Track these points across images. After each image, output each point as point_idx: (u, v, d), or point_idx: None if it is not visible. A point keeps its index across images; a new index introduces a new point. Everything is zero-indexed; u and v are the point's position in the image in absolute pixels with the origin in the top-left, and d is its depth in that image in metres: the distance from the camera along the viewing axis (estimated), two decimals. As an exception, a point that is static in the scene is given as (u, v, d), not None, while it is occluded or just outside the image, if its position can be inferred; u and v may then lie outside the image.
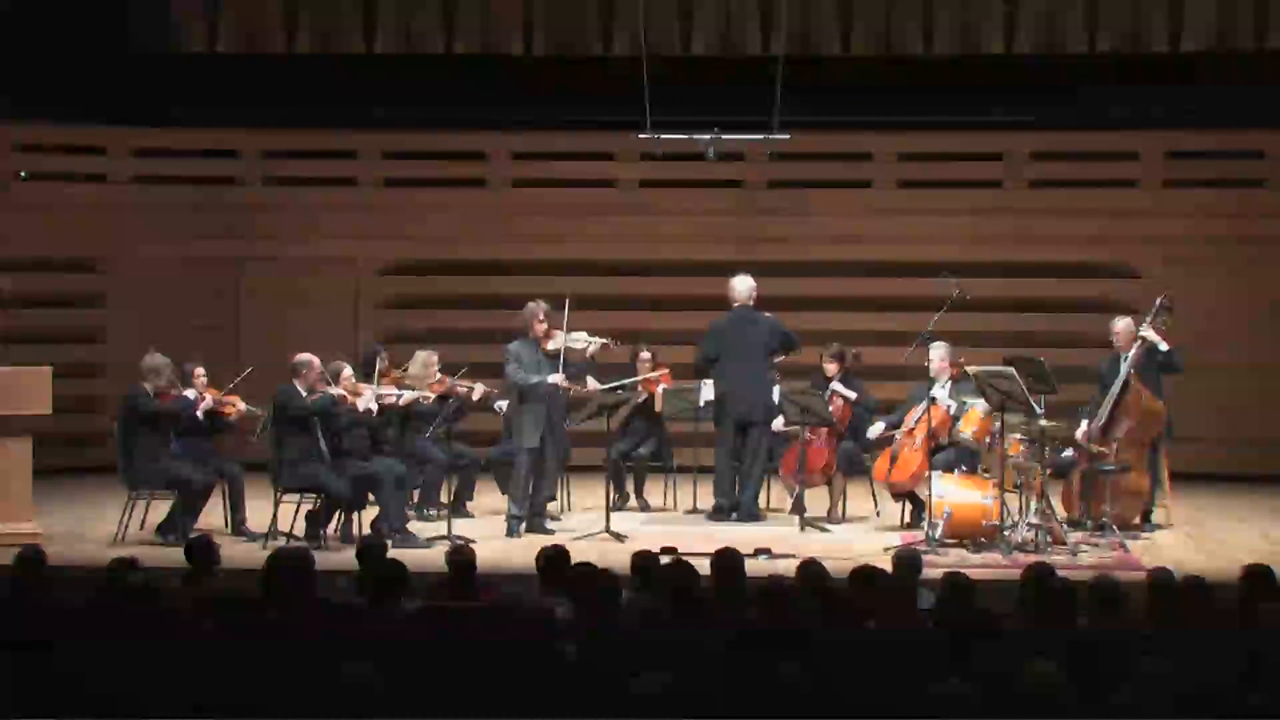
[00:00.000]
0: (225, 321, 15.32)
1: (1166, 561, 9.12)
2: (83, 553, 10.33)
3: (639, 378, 12.53)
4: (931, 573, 7.80)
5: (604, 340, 11.75)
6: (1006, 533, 10.55)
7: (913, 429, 11.55)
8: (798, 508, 11.65)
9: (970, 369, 11.07)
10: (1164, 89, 14.72)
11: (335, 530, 11.03)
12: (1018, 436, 10.79)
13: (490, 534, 11.18)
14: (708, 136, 14.09)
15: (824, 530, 11.57)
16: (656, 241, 15.41)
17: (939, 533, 10.61)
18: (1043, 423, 10.68)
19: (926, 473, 10.96)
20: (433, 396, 11.63)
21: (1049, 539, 10.60)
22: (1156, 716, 4.97)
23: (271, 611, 6.49)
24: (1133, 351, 11.57)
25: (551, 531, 11.22)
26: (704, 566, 7.30)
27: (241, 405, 11.41)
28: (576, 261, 14.82)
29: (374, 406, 11.13)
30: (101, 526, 11.34)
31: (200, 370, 11.40)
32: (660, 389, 12.57)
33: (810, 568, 7.11)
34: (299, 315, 15.10)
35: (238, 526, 11.27)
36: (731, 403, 11.88)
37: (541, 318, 11.43)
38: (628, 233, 15.40)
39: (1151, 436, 11.60)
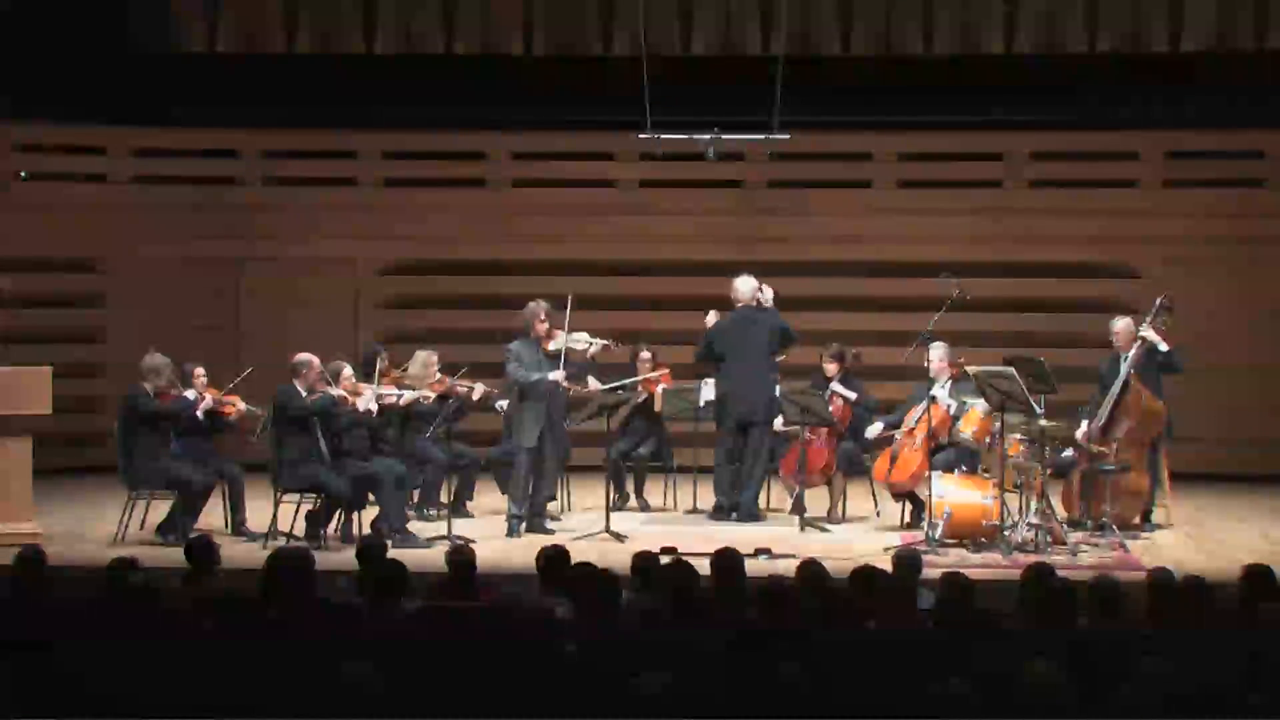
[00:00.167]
0: (225, 321, 15.32)
1: (1166, 561, 9.12)
2: (83, 553, 10.33)
3: (639, 378, 12.54)
4: (931, 573, 7.80)
5: (605, 342, 11.75)
6: (1006, 533, 10.55)
7: (913, 429, 11.55)
8: (798, 508, 11.65)
9: (970, 369, 11.07)
10: (1164, 89, 14.72)
11: (335, 530, 11.03)
12: (1018, 436, 10.79)
13: (490, 534, 11.18)
14: (708, 136, 14.09)
15: (824, 530, 11.57)
16: (656, 241, 15.41)
17: (939, 533, 10.61)
18: (1043, 423, 10.68)
19: (926, 473, 10.96)
20: (433, 396, 11.63)
21: (1049, 539, 10.60)
22: (1156, 716, 4.96)
23: (271, 611, 6.49)
24: (1132, 351, 11.57)
25: (551, 531, 11.22)
26: (704, 566, 7.30)
27: (241, 405, 11.41)
28: (576, 261, 14.82)
29: (374, 407, 11.13)
30: (101, 526, 11.34)
31: (200, 370, 11.41)
32: (660, 389, 12.57)
33: (810, 568, 7.11)
34: (299, 315, 15.10)
35: (238, 526, 11.27)
36: (733, 403, 11.88)
37: (543, 318, 11.43)
38: (628, 233, 15.40)
39: (1151, 436, 11.60)
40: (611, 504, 11.71)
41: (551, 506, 11.90)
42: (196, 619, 6.33)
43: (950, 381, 11.59)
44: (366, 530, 10.87)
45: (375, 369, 11.64)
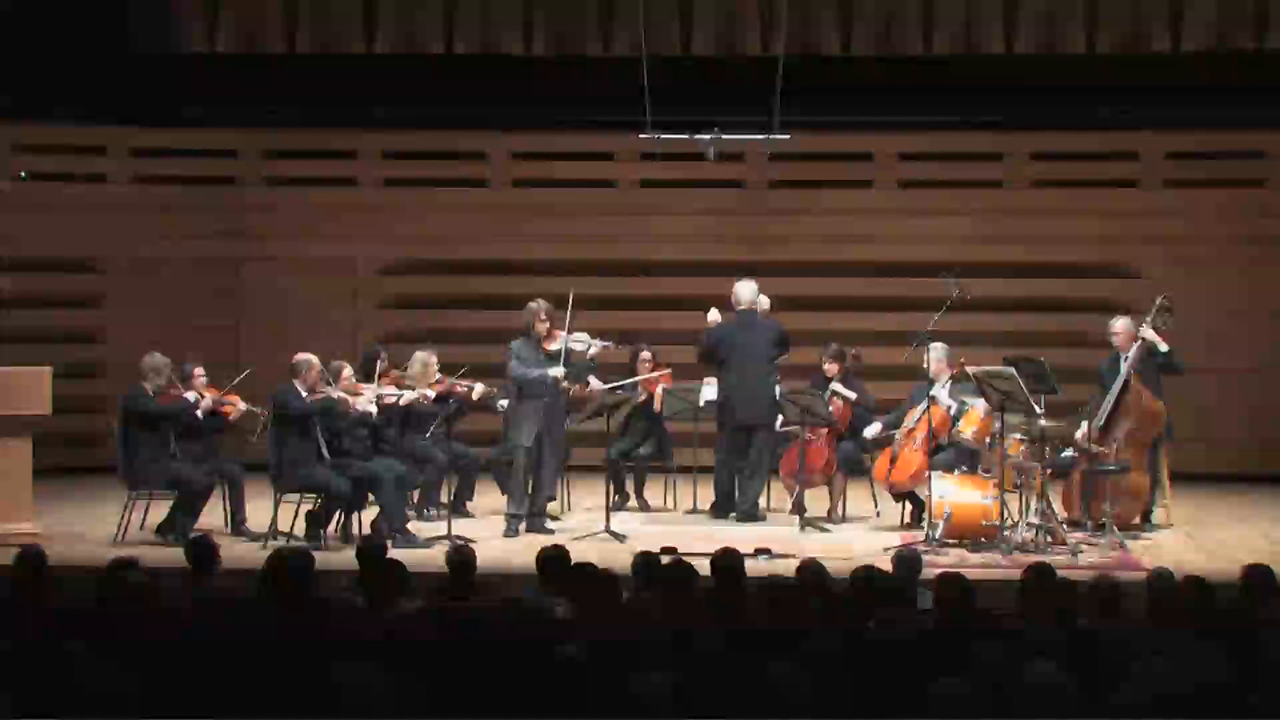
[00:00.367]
0: (225, 321, 15.32)
1: (1166, 561, 9.13)
2: (83, 553, 10.32)
3: (640, 378, 12.53)
4: (932, 573, 7.79)
5: (606, 343, 11.75)
6: (1006, 533, 10.55)
7: (913, 429, 11.55)
8: (798, 508, 11.65)
9: (970, 369, 11.07)
10: (1164, 89, 14.72)
11: (335, 530, 11.03)
12: (1018, 436, 10.79)
13: (490, 534, 11.18)
14: (708, 136, 14.10)
15: (824, 530, 11.56)
16: (656, 241, 15.42)
17: (939, 533, 10.62)
18: (1043, 423, 10.67)
19: (926, 473, 10.96)
20: (432, 396, 11.63)
21: (1049, 539, 10.60)
22: (1156, 716, 4.96)
23: (271, 611, 6.48)
24: (1132, 351, 11.57)
25: (551, 531, 11.22)
26: (704, 566, 7.30)
27: (241, 405, 11.41)
28: (576, 261, 14.82)
29: (373, 409, 11.13)
30: (101, 526, 11.33)
31: (200, 370, 11.41)
32: (660, 389, 12.56)
33: (810, 568, 7.10)
34: (299, 315, 15.10)
35: (238, 526, 11.27)
36: (736, 406, 11.88)
37: (543, 317, 11.44)
38: (628, 233, 15.40)
39: (1151, 436, 11.60)
40: (611, 504, 11.71)
41: (551, 506, 11.89)
42: (196, 619, 6.32)
43: (950, 381, 11.59)
44: (366, 530, 10.87)
45: (375, 369, 11.65)
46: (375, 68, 15.34)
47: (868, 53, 15.05)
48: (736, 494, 11.98)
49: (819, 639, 5.94)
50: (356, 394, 11.11)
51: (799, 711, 5.05)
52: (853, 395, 12.06)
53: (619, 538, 10.98)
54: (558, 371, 11.30)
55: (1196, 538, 11.43)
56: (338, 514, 11.02)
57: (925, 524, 10.90)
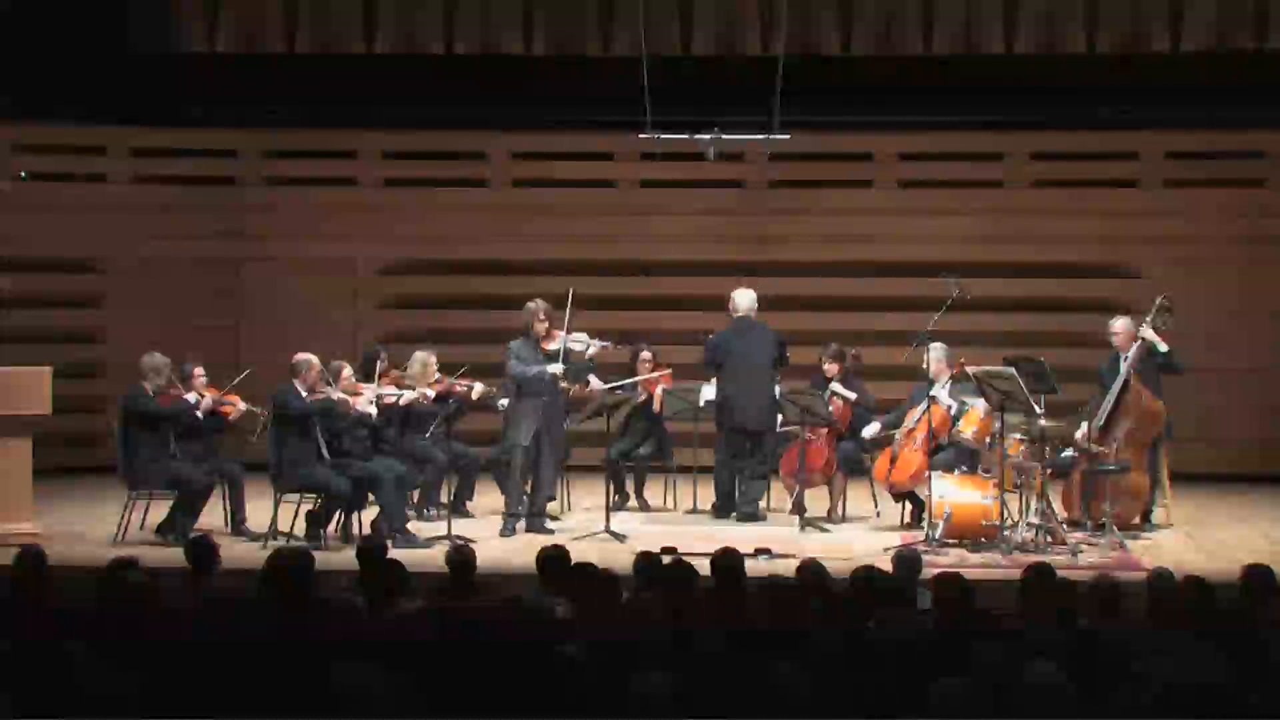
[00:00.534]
0: (225, 321, 15.33)
1: (1166, 561, 9.13)
2: (83, 553, 10.32)
3: (640, 378, 12.54)
4: (931, 573, 7.79)
5: (604, 343, 11.75)
6: (1006, 533, 10.55)
7: (913, 429, 11.55)
8: (798, 508, 11.65)
9: (970, 369, 11.07)
10: (1164, 89, 14.72)
11: (335, 530, 11.03)
12: (1018, 436, 10.79)
13: (490, 534, 11.18)
14: (708, 136, 14.09)
15: (824, 530, 11.56)
16: (656, 241, 15.42)
17: (939, 533, 10.62)
18: (1043, 423, 10.67)
19: (926, 473, 10.96)
20: (432, 396, 11.64)
21: (1049, 539, 10.60)
22: (1156, 716, 4.96)
23: (271, 611, 6.48)
24: (1132, 351, 11.57)
25: (551, 531, 11.22)
26: (704, 566, 7.30)
27: (241, 405, 11.41)
28: (576, 261, 14.81)
29: (373, 410, 11.13)
30: (101, 526, 11.33)
31: (200, 370, 11.41)
32: (660, 389, 12.56)
33: (810, 568, 7.10)
34: (299, 315, 15.10)
35: (238, 526, 11.28)
36: (738, 411, 11.88)
37: (542, 317, 11.45)
38: (628, 233, 15.40)
39: (1151, 436, 11.60)
40: (611, 504, 11.71)
41: (551, 506, 11.89)
42: (196, 619, 6.32)
43: (950, 381, 11.59)
44: (366, 530, 10.87)
45: (375, 369, 11.65)
46: (375, 68, 15.34)
47: (868, 53, 15.05)
48: (737, 494, 11.98)
49: (819, 639, 5.94)
50: (356, 394, 11.11)
51: (799, 711, 5.05)
52: (853, 395, 12.06)
53: (619, 538, 10.98)
54: (556, 368, 11.31)
55: (1196, 538, 11.43)
56: (338, 514, 11.03)
57: (925, 524, 10.91)
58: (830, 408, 11.89)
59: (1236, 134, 15.05)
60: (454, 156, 15.84)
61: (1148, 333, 11.57)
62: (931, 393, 11.38)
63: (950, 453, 11.40)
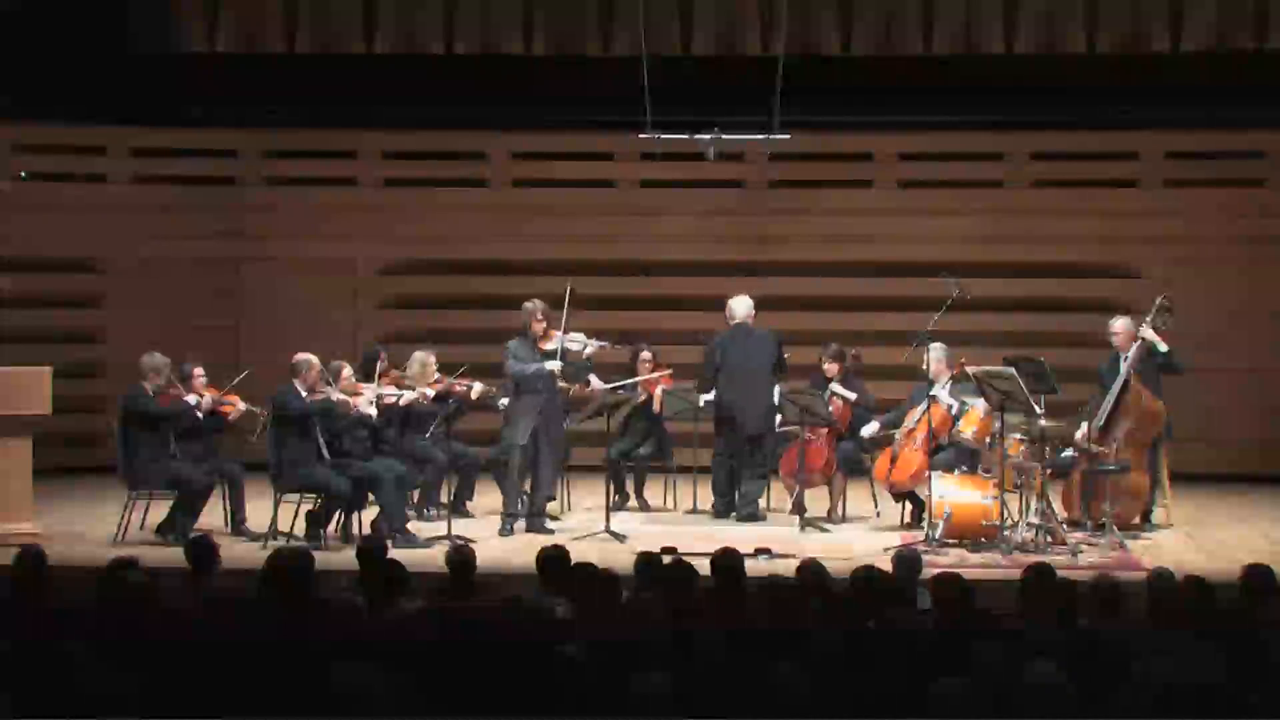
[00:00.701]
0: (225, 321, 15.33)
1: (1166, 561, 9.13)
2: (83, 553, 10.32)
3: (640, 378, 12.54)
4: (931, 573, 7.80)
5: (602, 343, 11.75)
6: (1006, 533, 10.55)
7: (913, 429, 11.55)
8: (798, 508, 11.65)
9: (970, 369, 11.07)
10: (1164, 89, 14.72)
11: (335, 530, 11.03)
12: (1018, 436, 10.79)
13: (490, 534, 11.19)
14: (708, 136, 14.09)
15: (824, 530, 11.56)
16: (656, 241, 15.42)
17: (939, 533, 10.62)
18: (1043, 423, 10.67)
19: (926, 473, 10.96)
20: (432, 396, 11.64)
21: (1049, 539, 10.60)
22: (1156, 716, 4.96)
23: (271, 611, 6.48)
24: (1132, 351, 11.57)
25: (551, 531, 11.22)
26: (704, 566, 7.30)
27: (241, 405, 11.41)
28: (576, 261, 14.81)
29: (373, 412, 11.12)
30: (101, 526, 11.33)
31: (200, 370, 11.41)
32: (660, 389, 12.56)
33: (810, 568, 7.10)
34: (299, 315, 15.10)
35: (238, 526, 11.27)
36: (737, 415, 11.88)
37: (540, 317, 11.45)
38: (628, 233, 15.40)
39: (1151, 436, 11.60)
40: (611, 504, 11.71)
41: (551, 506, 11.90)
42: (196, 619, 6.32)
43: (950, 381, 11.59)
44: (366, 530, 10.87)
45: (375, 369, 11.64)
46: (375, 68, 15.34)
47: (868, 53, 15.05)
48: (736, 495, 11.98)
49: (819, 639, 5.94)
50: (356, 394, 11.11)
51: (799, 711, 5.05)
52: (853, 395, 12.06)
53: (619, 538, 10.98)
54: (554, 365, 11.31)
55: (1196, 538, 11.42)
56: (338, 514, 11.03)
57: (925, 524, 10.90)
58: (830, 408, 11.89)
59: (1236, 134, 15.04)
60: (454, 156, 15.84)
61: (1148, 333, 11.56)
62: (932, 393, 11.39)
63: (950, 453, 11.40)
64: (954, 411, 11.42)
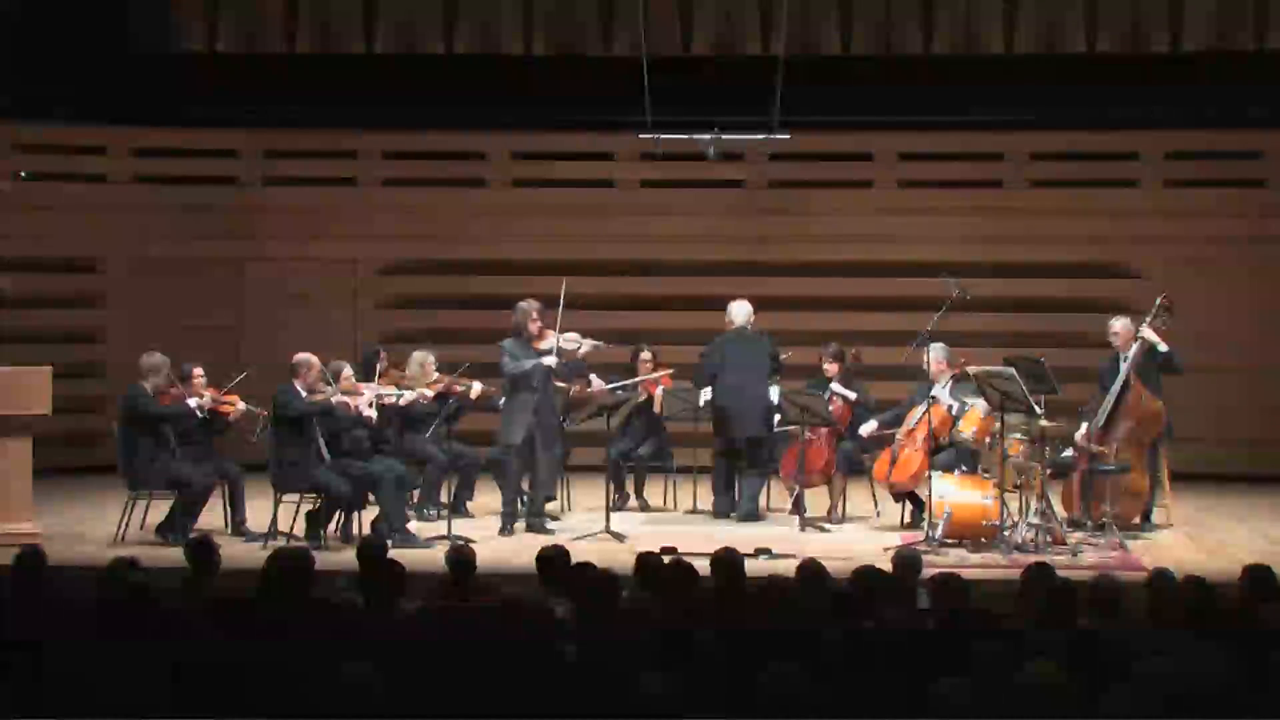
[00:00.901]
0: (225, 321, 15.33)
1: (1166, 561, 9.12)
2: (83, 553, 10.33)
3: (640, 378, 12.54)
4: (932, 573, 7.79)
5: (596, 343, 11.74)
6: (1006, 533, 10.55)
7: (913, 429, 11.55)
8: (798, 508, 11.65)
9: (970, 369, 11.08)
10: (1164, 89, 14.72)
11: (335, 530, 11.03)
12: (1018, 436, 10.79)
13: (490, 534, 11.19)
14: (708, 136, 14.10)
15: (824, 530, 11.57)
16: (656, 241, 15.42)
17: (939, 533, 10.62)
18: (1043, 423, 10.67)
19: (926, 473, 10.96)
20: (431, 396, 11.64)
21: (1049, 539, 10.60)
22: (1156, 716, 4.96)
23: (271, 611, 6.48)
24: (1132, 351, 11.57)
25: (551, 531, 11.22)
26: (704, 566, 7.30)
27: (241, 405, 11.40)
28: (576, 261, 14.81)
29: (373, 414, 11.12)
30: (101, 526, 11.34)
31: (199, 370, 11.41)
32: (660, 390, 12.57)
33: (810, 568, 7.10)
34: (299, 315, 15.11)
35: (238, 526, 11.27)
36: (735, 418, 11.88)
37: (535, 317, 11.43)
38: (628, 233, 15.40)
39: (1151, 436, 11.60)
40: (611, 504, 11.71)
41: (551, 506, 11.90)
42: (196, 619, 6.32)
43: (950, 381, 11.59)
44: (366, 530, 10.86)
45: (375, 369, 11.64)
46: (375, 68, 15.35)
47: (868, 53, 15.06)
48: (736, 494, 11.99)
49: (819, 639, 5.93)
50: (356, 394, 11.11)
51: (799, 711, 5.05)
52: (852, 395, 12.06)
53: (619, 538, 10.98)
54: (550, 360, 11.29)
55: (1196, 538, 11.42)
56: (338, 514, 11.02)
57: (925, 524, 10.90)
58: (830, 408, 11.89)
59: (1236, 134, 15.04)
60: (454, 156, 15.84)
61: (1148, 333, 11.56)
62: (932, 393, 11.39)
63: (950, 453, 11.40)
64: (954, 411, 11.42)
